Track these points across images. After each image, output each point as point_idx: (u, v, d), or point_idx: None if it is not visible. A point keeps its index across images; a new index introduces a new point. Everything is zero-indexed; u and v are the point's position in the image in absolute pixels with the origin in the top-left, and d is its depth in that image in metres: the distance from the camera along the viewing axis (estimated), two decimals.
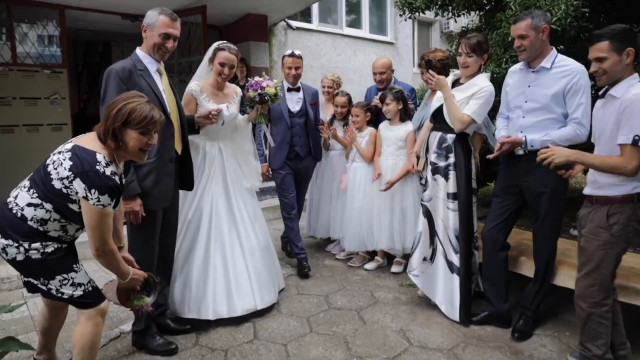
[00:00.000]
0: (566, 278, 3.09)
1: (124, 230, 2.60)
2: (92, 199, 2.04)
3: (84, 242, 2.27)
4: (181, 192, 3.14)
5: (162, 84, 2.82)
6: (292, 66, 4.11)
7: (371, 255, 4.45)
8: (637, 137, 2.23)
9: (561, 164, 2.35)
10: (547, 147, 2.42)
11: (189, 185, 3.09)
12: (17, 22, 5.72)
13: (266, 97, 3.50)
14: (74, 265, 2.23)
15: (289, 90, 4.18)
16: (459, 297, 3.23)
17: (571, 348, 2.90)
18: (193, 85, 3.28)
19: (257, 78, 3.53)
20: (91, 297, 2.26)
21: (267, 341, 3.05)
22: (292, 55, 4.11)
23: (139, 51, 2.77)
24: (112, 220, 2.17)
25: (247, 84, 3.56)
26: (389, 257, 4.39)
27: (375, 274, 4.21)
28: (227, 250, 3.30)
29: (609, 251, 2.42)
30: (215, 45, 3.31)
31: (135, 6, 6.15)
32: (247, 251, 3.38)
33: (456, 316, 3.24)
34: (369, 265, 4.33)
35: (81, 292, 2.22)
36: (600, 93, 2.52)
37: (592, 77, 2.63)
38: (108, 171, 2.06)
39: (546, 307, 3.24)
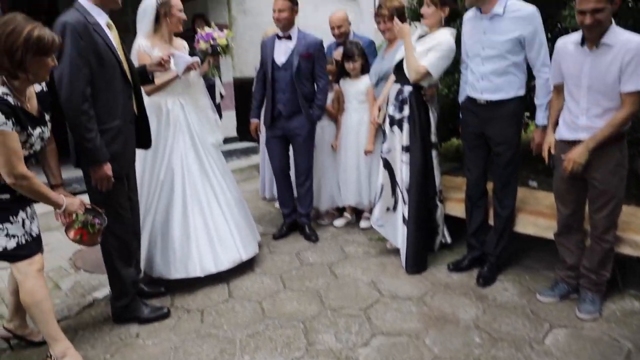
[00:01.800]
0: (526, 225, 3.25)
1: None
2: None
3: (47, 212, 2.20)
4: (148, 152, 3.09)
5: (114, 40, 2.56)
6: (276, 8, 3.63)
7: (340, 212, 4.52)
8: None
9: (585, 162, 2.53)
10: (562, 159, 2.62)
11: (146, 143, 2.96)
12: None
13: (218, 49, 3.43)
14: (10, 217, 2.19)
15: (279, 38, 3.78)
16: (405, 247, 3.37)
17: (531, 291, 3.06)
18: (142, 41, 3.15)
19: (207, 29, 3.46)
20: (25, 250, 2.23)
21: (242, 299, 3.09)
22: None
23: (83, 1, 2.45)
24: (19, 145, 2.08)
25: (197, 36, 3.46)
26: (357, 214, 4.46)
27: (344, 230, 4.28)
28: (205, 206, 3.28)
29: (624, 183, 2.61)
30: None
31: None
32: (223, 204, 3.37)
33: (404, 265, 3.40)
34: (338, 222, 4.39)
35: (15, 245, 2.20)
36: (579, 41, 2.53)
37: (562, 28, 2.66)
38: None
39: (508, 254, 3.39)
